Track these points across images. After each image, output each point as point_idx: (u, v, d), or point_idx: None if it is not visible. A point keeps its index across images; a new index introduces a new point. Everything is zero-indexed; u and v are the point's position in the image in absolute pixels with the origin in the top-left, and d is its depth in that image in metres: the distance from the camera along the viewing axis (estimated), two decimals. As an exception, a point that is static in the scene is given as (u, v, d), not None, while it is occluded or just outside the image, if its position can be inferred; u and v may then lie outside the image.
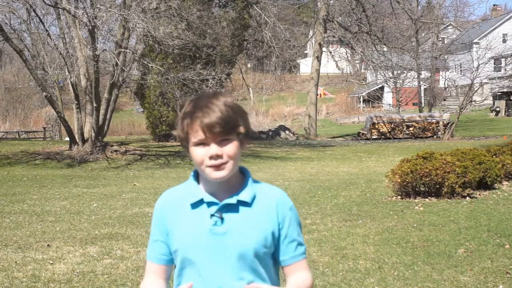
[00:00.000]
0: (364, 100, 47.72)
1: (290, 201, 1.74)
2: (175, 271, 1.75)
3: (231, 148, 1.59)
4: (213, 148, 1.58)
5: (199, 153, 1.59)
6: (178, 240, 1.68)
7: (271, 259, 1.71)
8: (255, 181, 1.72)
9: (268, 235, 1.66)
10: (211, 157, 1.58)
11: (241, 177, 1.71)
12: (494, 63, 35.63)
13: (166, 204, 1.74)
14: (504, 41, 42.91)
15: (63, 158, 16.46)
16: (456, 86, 40.33)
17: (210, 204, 1.65)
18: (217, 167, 1.59)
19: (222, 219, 1.64)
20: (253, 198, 1.67)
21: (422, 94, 38.61)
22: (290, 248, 1.70)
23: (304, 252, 1.74)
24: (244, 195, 1.66)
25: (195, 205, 1.67)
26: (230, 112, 1.58)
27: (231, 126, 1.58)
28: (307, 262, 1.76)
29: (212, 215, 1.64)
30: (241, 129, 1.61)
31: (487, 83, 33.90)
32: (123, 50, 16.79)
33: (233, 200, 1.65)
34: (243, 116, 1.64)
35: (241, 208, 1.66)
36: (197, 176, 1.72)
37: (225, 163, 1.59)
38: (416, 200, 8.40)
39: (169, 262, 1.74)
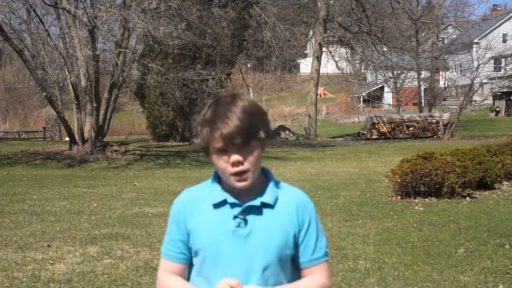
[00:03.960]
0: (364, 100, 47.73)
1: (310, 203, 1.72)
2: (193, 270, 1.74)
3: (252, 156, 1.59)
4: (234, 156, 1.57)
5: (221, 161, 1.59)
6: (200, 240, 1.67)
7: (291, 262, 1.71)
8: (277, 182, 1.72)
9: (290, 237, 1.66)
10: (232, 164, 1.58)
11: (263, 178, 1.70)
12: (494, 63, 35.61)
13: (186, 203, 1.72)
14: (504, 41, 42.91)
15: (63, 158, 16.46)
16: (456, 86, 40.33)
17: (233, 205, 1.65)
18: (240, 177, 1.59)
19: (245, 221, 1.63)
20: (276, 200, 1.67)
21: (422, 94, 38.61)
22: (307, 252, 1.69)
23: (323, 256, 1.71)
24: (268, 197, 1.65)
25: (218, 205, 1.66)
26: (250, 119, 1.57)
27: (251, 134, 1.58)
28: (326, 266, 1.73)
29: (235, 217, 1.64)
30: (262, 134, 1.61)
31: (487, 83, 33.90)
32: (123, 50, 16.79)
33: (257, 202, 1.64)
34: (262, 119, 1.63)
35: (265, 210, 1.65)
36: (218, 176, 1.70)
37: (246, 172, 1.59)
38: (416, 200, 8.40)
39: (187, 260, 1.73)
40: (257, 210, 1.65)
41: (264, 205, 1.65)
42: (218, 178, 1.69)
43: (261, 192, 1.66)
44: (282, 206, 1.67)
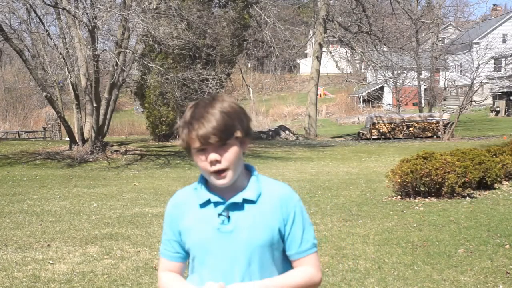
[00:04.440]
0: (364, 100, 47.72)
1: (295, 196, 1.76)
2: (188, 267, 1.81)
3: (229, 153, 1.64)
4: (212, 155, 1.64)
5: (201, 161, 1.66)
6: (189, 239, 1.74)
7: (281, 255, 1.75)
8: (260, 177, 1.76)
9: (275, 232, 1.70)
10: (211, 163, 1.64)
11: (247, 174, 1.75)
12: (494, 63, 35.64)
13: (176, 205, 1.80)
14: (504, 41, 42.91)
15: (63, 158, 16.46)
16: (456, 86, 40.34)
17: (216, 203, 1.70)
18: (219, 175, 1.65)
19: (229, 217, 1.68)
20: (259, 196, 1.71)
21: (422, 94, 38.61)
22: (294, 244, 1.73)
23: (311, 248, 1.75)
24: (249, 193, 1.70)
25: (203, 205, 1.72)
26: (226, 119, 1.62)
27: (227, 134, 1.62)
28: (315, 257, 1.76)
29: (219, 215, 1.69)
30: (238, 133, 1.65)
31: (487, 83, 33.90)
32: (123, 50, 16.78)
33: (238, 198, 1.69)
34: (240, 118, 1.67)
35: (247, 206, 1.70)
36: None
37: (225, 170, 1.65)
38: (416, 200, 8.40)
39: (183, 259, 1.81)
40: (239, 207, 1.69)
41: (246, 201, 1.69)
42: (204, 179, 1.75)
43: (244, 189, 1.70)
44: (265, 201, 1.71)
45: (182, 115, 1.69)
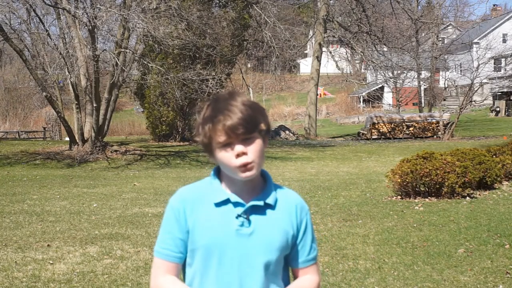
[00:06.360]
0: (364, 100, 47.74)
1: (306, 205, 1.77)
2: (189, 270, 1.70)
3: (255, 146, 1.61)
4: (238, 147, 1.58)
5: (225, 155, 1.59)
6: (200, 239, 1.64)
7: (284, 263, 1.74)
8: (275, 184, 1.75)
9: (289, 237, 1.69)
10: (237, 155, 1.58)
11: (262, 179, 1.72)
12: (494, 63, 35.62)
13: (186, 200, 1.69)
14: (504, 41, 42.90)
15: (63, 158, 16.46)
16: (456, 86, 40.32)
17: (236, 204, 1.65)
18: (245, 167, 1.59)
19: (249, 220, 1.64)
20: (276, 201, 1.70)
21: (422, 94, 38.59)
22: (303, 252, 1.73)
23: (316, 257, 1.76)
24: (270, 198, 1.68)
25: (220, 204, 1.65)
26: (250, 111, 1.60)
27: (253, 125, 1.60)
28: (318, 266, 1.78)
29: (238, 216, 1.64)
30: (263, 126, 1.63)
31: (487, 83, 33.90)
32: (123, 50, 16.79)
33: (260, 202, 1.66)
34: (262, 113, 1.65)
35: (267, 211, 1.67)
36: (218, 174, 1.70)
37: (251, 163, 1.59)
38: (416, 200, 8.40)
39: (182, 260, 1.70)
40: (260, 210, 1.66)
41: (267, 205, 1.67)
42: (218, 176, 1.70)
43: (262, 193, 1.68)
44: (282, 207, 1.69)
45: (200, 112, 1.64)
